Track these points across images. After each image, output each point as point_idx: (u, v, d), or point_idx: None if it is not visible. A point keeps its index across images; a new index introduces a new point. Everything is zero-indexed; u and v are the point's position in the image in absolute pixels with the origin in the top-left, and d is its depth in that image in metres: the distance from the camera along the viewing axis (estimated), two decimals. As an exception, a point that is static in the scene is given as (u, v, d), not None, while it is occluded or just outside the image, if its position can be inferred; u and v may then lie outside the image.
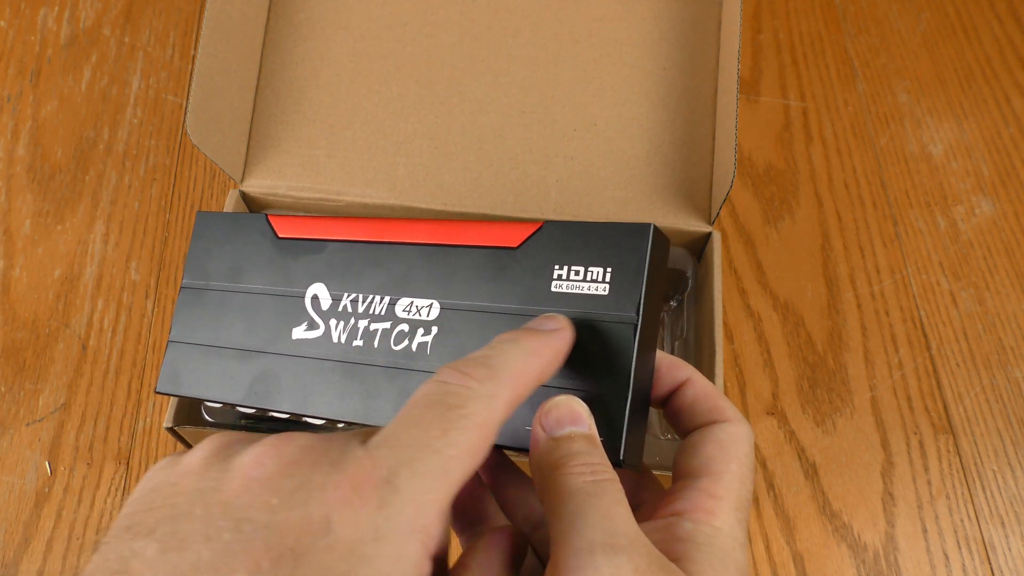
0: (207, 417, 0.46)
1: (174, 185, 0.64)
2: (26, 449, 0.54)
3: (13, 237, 0.61)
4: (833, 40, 0.74)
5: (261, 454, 0.20)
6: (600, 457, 0.24)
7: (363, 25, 0.53)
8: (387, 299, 0.32)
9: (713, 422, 0.27)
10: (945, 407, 0.58)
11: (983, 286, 0.62)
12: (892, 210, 0.66)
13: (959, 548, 0.53)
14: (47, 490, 0.52)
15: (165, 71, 0.69)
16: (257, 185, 0.50)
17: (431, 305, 0.31)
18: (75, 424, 0.55)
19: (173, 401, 0.41)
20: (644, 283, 0.27)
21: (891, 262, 0.63)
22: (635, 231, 0.28)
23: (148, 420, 0.55)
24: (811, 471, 0.55)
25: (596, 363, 0.27)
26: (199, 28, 0.69)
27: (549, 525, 0.23)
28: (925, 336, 0.60)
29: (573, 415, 0.24)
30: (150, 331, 0.58)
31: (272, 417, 0.48)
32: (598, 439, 0.25)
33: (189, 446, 0.44)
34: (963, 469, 0.55)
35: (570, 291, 0.28)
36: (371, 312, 0.32)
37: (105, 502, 0.52)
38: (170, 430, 0.41)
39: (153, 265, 0.61)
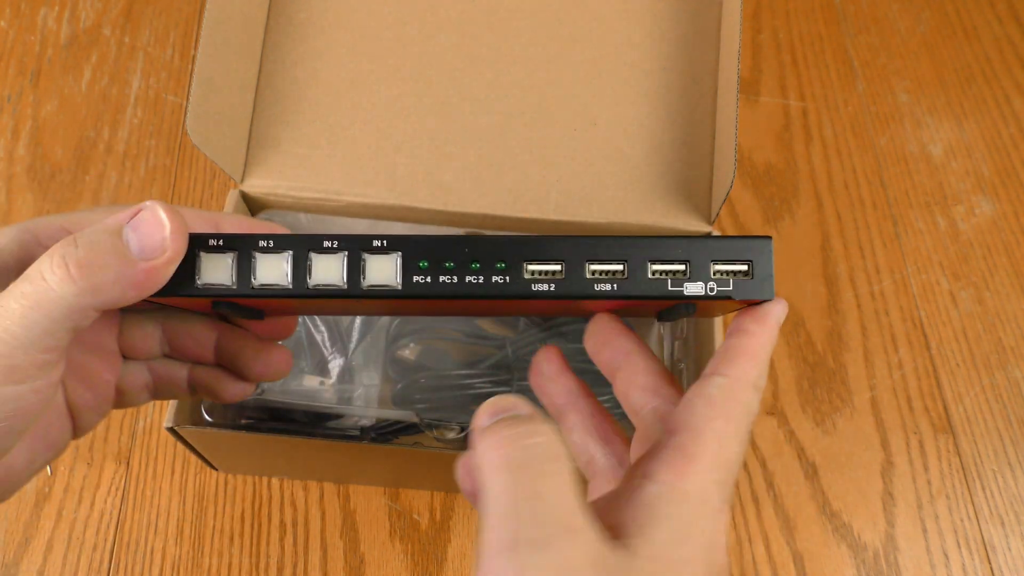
0: (207, 417, 0.46)
1: (174, 185, 0.64)
2: (26, 449, 0.54)
3: (13, 237, 0.61)
4: (833, 40, 0.74)
5: None
6: (528, 422, 0.21)
7: (363, 25, 0.53)
8: None
9: (712, 373, 0.24)
10: (945, 407, 0.58)
11: (983, 286, 0.62)
12: (892, 210, 0.66)
13: (959, 548, 0.53)
14: (47, 490, 0.52)
15: (165, 71, 0.69)
16: (257, 185, 0.50)
17: None
18: (75, 424, 0.55)
19: (173, 401, 0.41)
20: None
21: (891, 262, 0.63)
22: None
23: (148, 420, 0.55)
24: (811, 471, 0.55)
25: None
26: (199, 28, 0.68)
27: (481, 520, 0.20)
28: (925, 336, 0.60)
29: (500, 405, 0.22)
30: (150, 331, 0.58)
31: (274, 418, 0.48)
32: (533, 414, 0.21)
33: (189, 446, 0.44)
34: (963, 469, 0.55)
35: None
36: None
37: (105, 502, 0.52)
38: (170, 430, 0.41)
39: (153, 265, 0.61)
